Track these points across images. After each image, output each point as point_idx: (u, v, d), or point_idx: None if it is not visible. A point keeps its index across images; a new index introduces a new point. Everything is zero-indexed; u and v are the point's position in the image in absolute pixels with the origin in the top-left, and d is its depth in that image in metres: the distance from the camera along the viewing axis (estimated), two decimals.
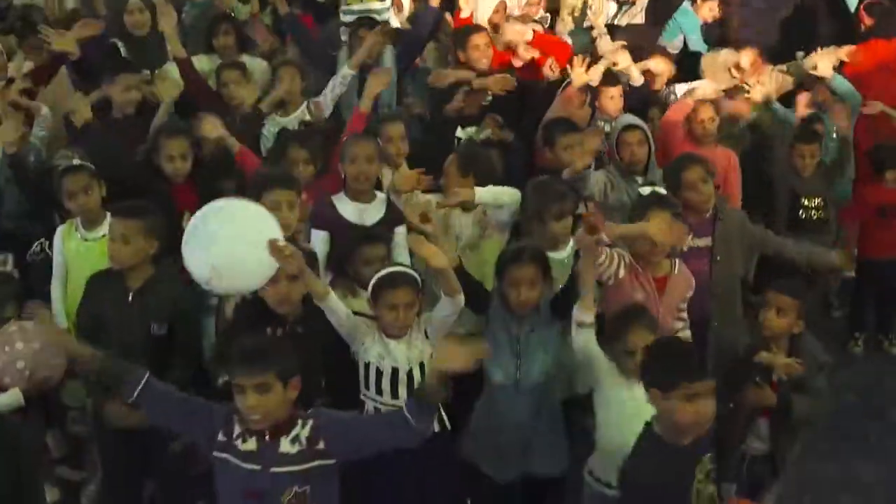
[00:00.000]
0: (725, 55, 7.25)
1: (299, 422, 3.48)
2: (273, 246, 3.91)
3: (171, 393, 3.61)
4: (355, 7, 7.02)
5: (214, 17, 7.28)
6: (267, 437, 3.44)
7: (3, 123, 5.69)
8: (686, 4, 8.54)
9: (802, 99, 7.18)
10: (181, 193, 5.40)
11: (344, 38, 6.88)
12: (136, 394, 3.53)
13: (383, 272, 4.22)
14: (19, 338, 4.55)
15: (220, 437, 3.48)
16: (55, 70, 6.53)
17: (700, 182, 5.17)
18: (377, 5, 7.04)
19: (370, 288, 4.24)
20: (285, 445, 3.44)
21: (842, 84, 6.93)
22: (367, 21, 6.69)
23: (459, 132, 6.23)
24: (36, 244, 5.47)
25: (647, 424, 3.51)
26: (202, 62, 6.88)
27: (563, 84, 6.66)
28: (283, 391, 3.41)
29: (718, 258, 5.16)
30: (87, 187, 5.06)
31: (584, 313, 4.17)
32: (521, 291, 4.24)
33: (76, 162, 5.21)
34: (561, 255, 4.87)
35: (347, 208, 5.07)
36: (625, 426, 3.98)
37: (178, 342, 4.56)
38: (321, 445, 3.45)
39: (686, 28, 8.47)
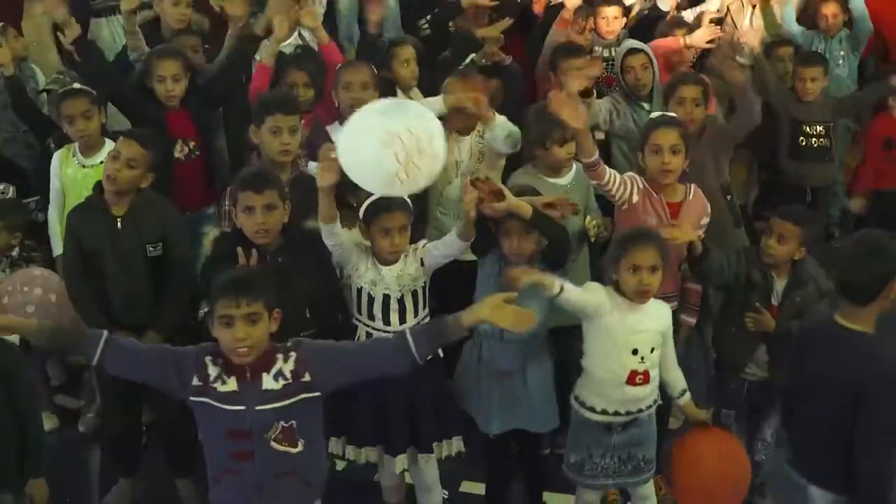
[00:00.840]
0: None
1: (279, 356, 3.37)
2: (325, 150, 3.80)
3: (134, 348, 3.45)
4: None
5: None
6: (248, 376, 3.33)
7: None
8: None
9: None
10: (175, 120, 5.33)
11: None
12: (97, 355, 3.33)
13: (377, 196, 4.12)
14: (41, 283, 4.57)
15: (195, 381, 3.34)
16: None
17: (690, 102, 5.17)
18: None
19: (362, 212, 4.20)
20: (268, 382, 3.34)
21: (862, 15, 6.89)
22: None
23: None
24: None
25: None
26: None
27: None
28: (268, 322, 3.32)
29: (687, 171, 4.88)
30: (87, 112, 5.00)
31: (550, 289, 4.01)
32: (515, 241, 4.13)
33: (76, 86, 5.13)
34: (564, 181, 4.82)
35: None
36: (613, 354, 4.01)
37: (174, 259, 4.51)
38: (307, 378, 3.36)
39: None
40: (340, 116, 5.01)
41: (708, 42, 6.53)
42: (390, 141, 3.46)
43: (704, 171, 5.01)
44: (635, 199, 4.54)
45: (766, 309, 4.46)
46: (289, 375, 3.35)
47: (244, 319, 3.25)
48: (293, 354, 3.37)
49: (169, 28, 5.97)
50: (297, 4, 5.56)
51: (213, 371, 3.34)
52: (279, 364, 3.35)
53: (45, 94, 6.01)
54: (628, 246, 4.03)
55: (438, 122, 3.66)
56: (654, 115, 4.91)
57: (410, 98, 5.47)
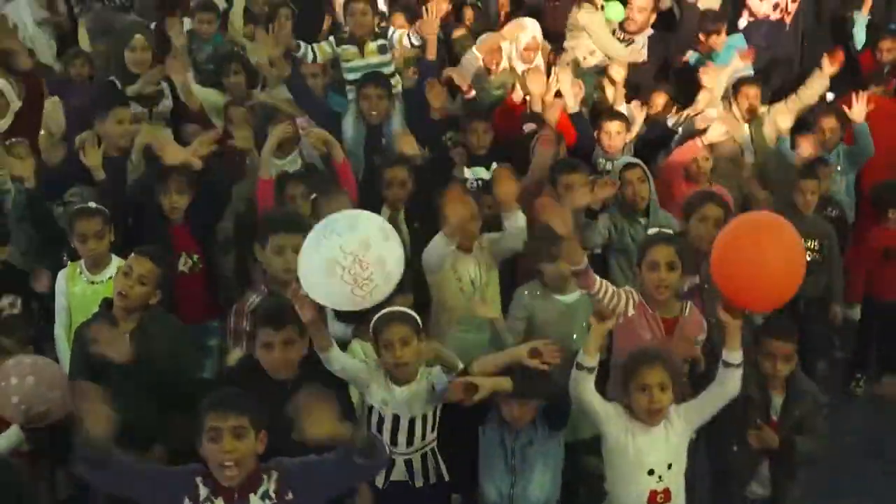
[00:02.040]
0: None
1: (264, 476, 3.44)
2: (293, 291, 3.91)
3: (128, 465, 3.50)
4: (357, 63, 6.96)
5: (224, 55, 7.35)
6: (236, 497, 3.40)
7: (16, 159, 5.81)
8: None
9: (806, 142, 7.05)
10: (178, 234, 5.44)
11: (350, 96, 6.88)
12: (89, 470, 3.42)
13: (381, 311, 4.21)
14: (14, 372, 4.50)
15: (186, 502, 3.41)
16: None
17: (712, 221, 5.17)
18: (376, 59, 6.97)
19: (371, 329, 4.25)
20: (255, 503, 3.41)
21: (865, 131, 6.97)
22: (374, 77, 6.68)
23: (467, 172, 6.28)
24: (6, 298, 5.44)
25: None
26: (211, 95, 6.98)
27: None
28: (255, 441, 3.40)
29: (706, 287, 5.05)
30: (99, 232, 5.11)
31: (586, 357, 4.11)
32: (514, 409, 4.14)
33: (92, 205, 5.23)
34: (569, 299, 4.91)
35: None
36: (630, 477, 4.06)
37: (181, 375, 4.53)
38: (290, 496, 3.43)
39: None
40: None
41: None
42: (331, 270, 3.71)
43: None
44: (630, 312, 4.60)
45: (766, 424, 4.49)
46: (273, 495, 3.43)
47: (231, 433, 3.34)
48: (275, 474, 3.45)
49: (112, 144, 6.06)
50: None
51: (203, 492, 3.42)
52: (265, 485, 3.43)
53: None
54: (636, 367, 4.09)
55: (372, 223, 3.87)
56: (652, 231, 4.99)
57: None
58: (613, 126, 6.77)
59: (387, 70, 6.98)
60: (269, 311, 4.17)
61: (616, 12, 8.14)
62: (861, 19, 8.53)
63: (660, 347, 4.33)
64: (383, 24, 7.49)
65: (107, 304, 4.57)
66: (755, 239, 3.97)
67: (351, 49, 6.95)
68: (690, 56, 8.07)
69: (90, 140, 5.90)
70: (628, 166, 5.98)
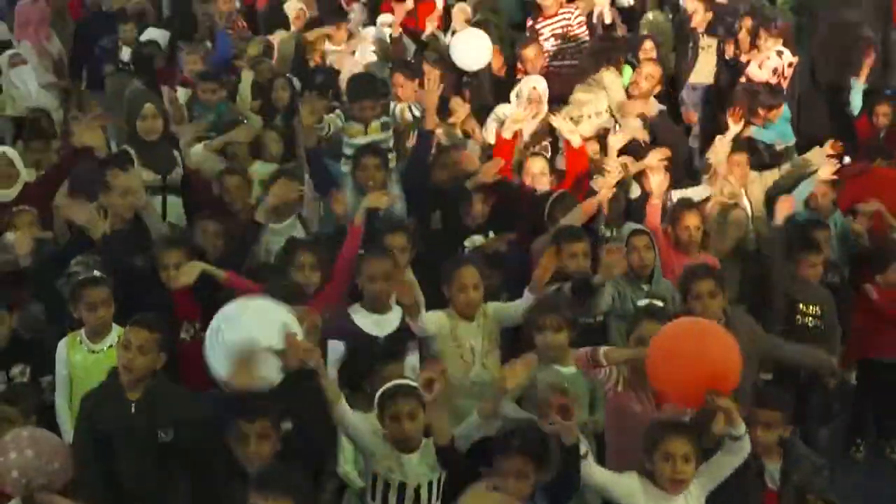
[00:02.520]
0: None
1: None
2: (289, 339, 3.99)
3: None
4: (360, 140, 6.98)
5: (228, 124, 7.44)
6: None
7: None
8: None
9: (784, 205, 6.88)
10: (181, 302, 5.48)
11: (345, 168, 6.93)
12: None
13: (386, 385, 4.26)
14: (13, 446, 4.46)
15: None
16: (65, 174, 6.69)
17: (707, 296, 5.19)
18: (379, 136, 7.00)
19: (376, 401, 4.29)
20: None
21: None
22: (371, 148, 6.74)
23: (466, 242, 6.29)
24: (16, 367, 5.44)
25: None
26: (213, 162, 7.09)
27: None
28: None
29: None
30: (106, 301, 5.17)
31: (580, 445, 4.09)
32: (510, 483, 4.11)
33: (98, 274, 5.30)
34: (566, 371, 4.94)
35: (364, 320, 5.19)
36: None
37: (185, 444, 4.59)
38: None
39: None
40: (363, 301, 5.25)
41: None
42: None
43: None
44: (620, 387, 4.68)
45: (762, 492, 4.51)
46: None
47: None
48: None
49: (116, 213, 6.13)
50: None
51: None
52: None
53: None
54: (662, 435, 4.11)
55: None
56: (642, 303, 5.08)
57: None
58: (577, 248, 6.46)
59: (386, 146, 7.05)
60: (263, 478, 4.06)
61: (625, 75, 8.33)
62: (858, 86, 8.63)
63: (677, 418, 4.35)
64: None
65: (114, 372, 4.62)
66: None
67: (355, 126, 7.04)
68: (754, 131, 8.12)
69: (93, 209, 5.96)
70: (635, 233, 6.08)
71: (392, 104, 7.33)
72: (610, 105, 8.03)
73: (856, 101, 8.66)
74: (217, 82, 8.39)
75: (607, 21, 10.04)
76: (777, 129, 8.04)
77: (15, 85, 8.95)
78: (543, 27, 9.19)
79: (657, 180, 6.63)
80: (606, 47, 8.63)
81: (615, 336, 5.79)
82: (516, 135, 7.36)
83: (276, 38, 10.01)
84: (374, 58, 9.53)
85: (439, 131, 7.44)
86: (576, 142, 7.03)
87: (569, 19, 9.14)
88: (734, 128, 7.39)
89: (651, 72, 8.16)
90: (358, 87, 7.21)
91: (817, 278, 6.40)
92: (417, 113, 7.18)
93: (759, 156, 7.78)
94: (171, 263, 5.46)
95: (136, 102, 6.95)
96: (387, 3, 10.68)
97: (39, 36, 11.80)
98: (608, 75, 8.11)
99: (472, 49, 8.46)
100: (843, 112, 8.53)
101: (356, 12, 11.76)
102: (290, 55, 9.72)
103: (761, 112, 8.06)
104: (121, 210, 6.05)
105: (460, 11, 9.96)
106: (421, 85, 7.47)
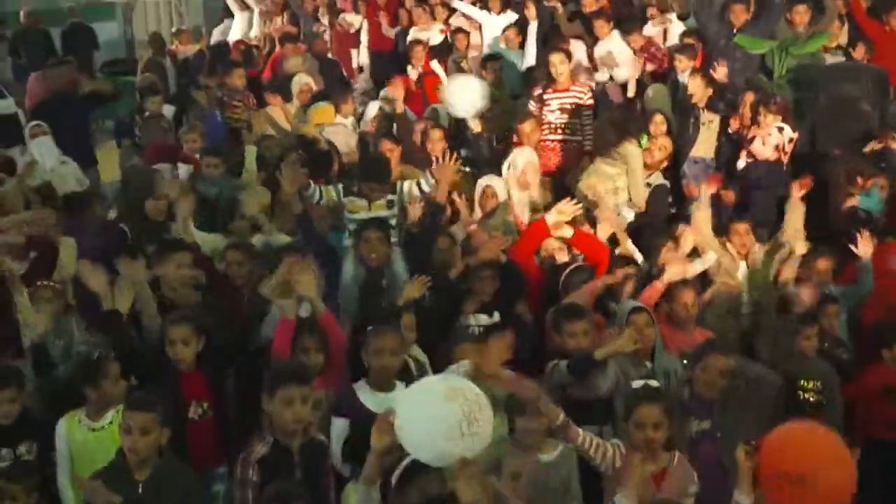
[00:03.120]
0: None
1: None
2: (382, 418, 3.95)
3: None
4: (363, 215, 7.10)
5: (228, 200, 7.59)
6: None
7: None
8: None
9: (805, 289, 7.02)
10: (188, 381, 5.50)
11: (347, 242, 7.05)
12: None
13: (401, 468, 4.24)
14: None
15: None
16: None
17: (718, 378, 5.32)
18: (383, 213, 7.13)
19: (392, 487, 4.27)
20: None
21: (869, 268, 7.09)
22: (374, 222, 6.82)
23: (471, 319, 6.36)
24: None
25: None
26: (215, 241, 7.15)
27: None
28: None
29: (720, 436, 5.22)
30: (116, 377, 5.23)
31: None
32: None
33: (102, 353, 5.35)
34: (547, 458, 4.99)
35: (369, 398, 5.19)
36: None
37: None
38: None
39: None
40: (368, 378, 5.28)
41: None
42: (454, 395, 3.72)
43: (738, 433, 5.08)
44: (618, 463, 4.72)
45: None
46: None
47: None
48: None
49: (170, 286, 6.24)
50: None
51: None
52: None
53: None
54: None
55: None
56: (637, 384, 5.09)
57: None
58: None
59: (392, 221, 7.14)
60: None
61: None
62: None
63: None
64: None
65: (121, 452, 4.65)
66: None
67: (359, 202, 7.12)
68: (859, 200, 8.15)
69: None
70: (636, 310, 6.08)
71: (399, 182, 7.39)
72: (630, 177, 8.16)
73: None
74: (220, 157, 8.52)
75: (630, 94, 10.24)
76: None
77: (34, 156, 9.08)
78: (552, 98, 9.30)
79: (673, 271, 6.65)
80: (628, 118, 8.78)
81: (620, 411, 5.75)
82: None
83: (278, 111, 10.15)
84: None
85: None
86: (568, 233, 7.04)
87: (580, 98, 9.27)
88: (797, 195, 7.50)
89: (664, 143, 8.49)
90: (367, 170, 7.32)
91: (813, 350, 6.40)
92: (427, 188, 7.25)
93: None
94: (179, 339, 5.47)
95: (147, 182, 7.05)
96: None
97: None
98: (631, 148, 8.23)
99: (467, 93, 8.47)
100: None
101: (361, 82, 11.98)
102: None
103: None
104: (176, 282, 6.20)
105: None
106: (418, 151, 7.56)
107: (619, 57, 10.42)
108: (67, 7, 18.62)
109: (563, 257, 7.03)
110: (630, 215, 7.92)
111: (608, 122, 8.60)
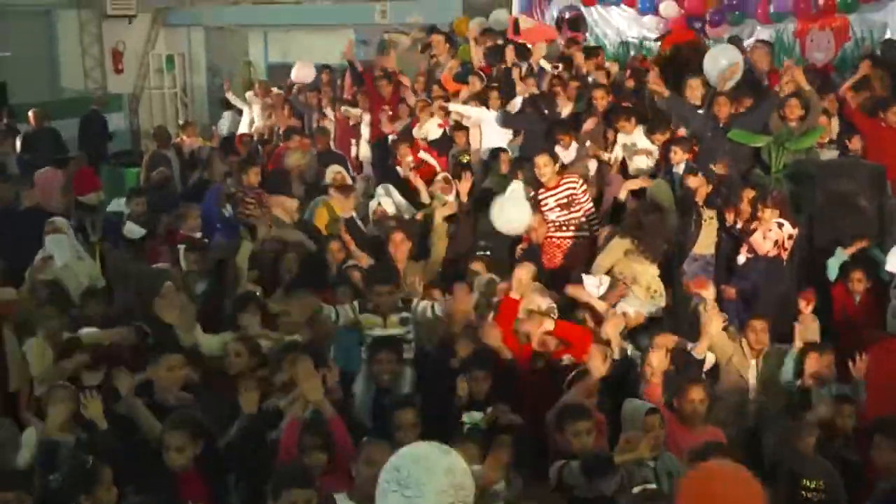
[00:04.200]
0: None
1: None
2: None
3: None
4: (378, 332, 7.19)
5: (241, 296, 7.61)
6: None
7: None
8: None
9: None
10: (185, 483, 5.51)
11: (365, 355, 7.10)
12: None
13: None
14: None
15: None
16: None
17: None
18: (397, 330, 7.21)
19: None
20: None
21: (862, 385, 7.10)
22: (385, 342, 6.94)
23: (465, 417, 6.32)
24: None
25: None
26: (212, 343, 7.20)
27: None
28: None
29: None
30: (109, 485, 5.24)
31: None
32: None
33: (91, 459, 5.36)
34: None
35: None
36: None
37: None
38: None
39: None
40: (356, 490, 5.20)
41: None
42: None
43: None
44: None
45: None
46: None
47: None
48: None
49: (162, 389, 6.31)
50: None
51: None
52: None
53: None
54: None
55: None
56: (636, 489, 5.18)
57: None
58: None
59: (407, 337, 7.24)
60: None
61: None
62: (840, 255, 8.77)
63: None
64: None
65: None
66: None
67: (374, 318, 7.21)
68: None
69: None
70: (651, 412, 6.15)
71: (415, 301, 7.48)
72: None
73: (832, 270, 8.76)
74: (203, 251, 8.63)
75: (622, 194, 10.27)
76: None
77: (47, 251, 9.21)
78: (547, 198, 9.41)
79: (657, 359, 6.75)
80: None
81: None
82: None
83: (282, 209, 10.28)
84: None
85: None
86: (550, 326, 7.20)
87: (574, 189, 9.38)
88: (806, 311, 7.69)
89: None
90: (371, 275, 7.42)
91: (809, 450, 6.41)
92: (440, 313, 7.35)
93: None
94: (174, 446, 5.51)
95: (155, 282, 7.16)
96: None
97: (57, 204, 12.19)
98: (644, 270, 8.29)
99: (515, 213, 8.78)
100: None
101: (359, 181, 12.13)
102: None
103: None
104: (168, 385, 6.30)
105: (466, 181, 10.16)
106: None
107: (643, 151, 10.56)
108: (95, 96, 19.00)
109: (548, 345, 7.14)
110: (654, 309, 8.01)
111: (657, 227, 8.60)
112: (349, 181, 11.06)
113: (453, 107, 12.31)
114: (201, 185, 11.79)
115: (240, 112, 16.31)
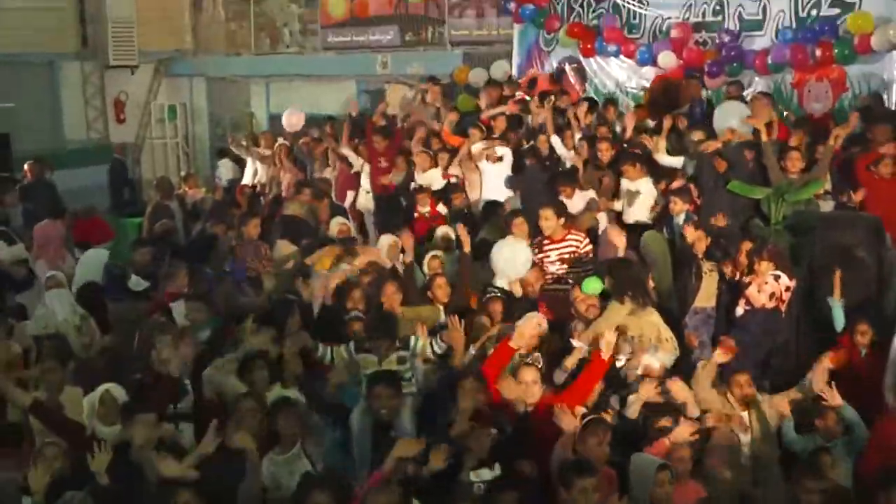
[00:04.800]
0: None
1: None
2: None
3: None
4: (371, 370, 7.25)
5: (248, 353, 7.63)
6: None
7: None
8: None
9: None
10: None
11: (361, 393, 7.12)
12: None
13: None
14: None
15: None
16: None
17: None
18: (396, 367, 7.26)
19: None
20: None
21: (851, 414, 7.16)
22: (384, 376, 6.96)
23: (472, 475, 6.33)
24: None
25: None
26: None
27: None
28: None
29: None
30: None
31: None
32: None
33: None
34: None
35: None
36: None
37: None
38: None
39: None
40: None
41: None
42: None
43: None
44: None
45: None
46: None
47: None
48: None
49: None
50: None
51: None
52: None
53: None
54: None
55: None
56: None
57: None
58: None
59: (406, 375, 7.29)
60: None
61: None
62: (835, 303, 8.74)
63: None
64: None
65: None
66: None
67: (371, 358, 7.24)
68: None
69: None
70: (661, 468, 6.20)
71: (412, 338, 7.50)
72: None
73: (838, 320, 8.70)
74: (202, 301, 8.67)
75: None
76: None
77: (45, 304, 9.26)
78: (550, 250, 9.46)
79: (682, 432, 6.80)
80: None
81: None
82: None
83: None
84: None
85: None
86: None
87: (577, 246, 9.44)
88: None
89: None
90: (375, 327, 7.44)
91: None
92: (438, 350, 7.35)
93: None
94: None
95: (155, 332, 7.21)
96: None
97: (56, 257, 12.29)
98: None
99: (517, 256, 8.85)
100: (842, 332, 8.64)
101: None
102: None
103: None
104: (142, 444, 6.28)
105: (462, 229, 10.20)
106: None
107: (646, 199, 10.64)
108: (116, 145, 19.39)
109: (535, 392, 7.12)
110: (668, 359, 7.99)
111: (633, 278, 8.48)
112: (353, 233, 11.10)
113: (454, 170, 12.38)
114: (205, 237, 11.82)
115: (236, 160, 16.47)
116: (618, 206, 10.88)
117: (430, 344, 7.44)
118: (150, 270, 10.41)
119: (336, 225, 11.24)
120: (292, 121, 15.68)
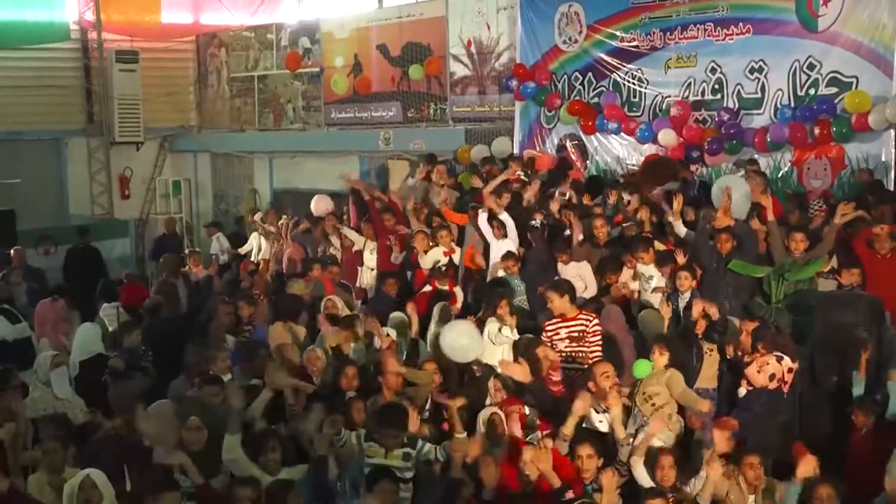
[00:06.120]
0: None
1: None
2: None
3: None
4: (378, 461, 7.28)
5: (262, 431, 7.67)
6: None
7: None
8: None
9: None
10: None
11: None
12: None
13: None
14: None
15: None
16: None
17: None
18: (398, 464, 7.27)
19: None
20: None
21: None
22: (383, 473, 6.95)
23: None
24: None
25: None
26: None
27: None
28: None
29: None
30: None
31: None
32: None
33: None
34: None
35: None
36: None
37: None
38: None
39: None
40: None
41: None
42: None
43: None
44: None
45: None
46: None
47: None
48: None
49: None
50: None
51: None
52: None
53: None
54: None
55: None
56: None
57: None
58: None
59: (405, 475, 7.27)
60: None
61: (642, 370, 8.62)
62: (859, 379, 8.74)
63: None
64: None
65: None
66: None
67: (377, 448, 7.25)
68: None
69: None
70: None
71: (419, 441, 7.53)
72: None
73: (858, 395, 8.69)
74: (219, 384, 8.67)
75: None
76: None
77: (48, 383, 9.28)
78: (560, 327, 9.49)
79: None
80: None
81: None
82: None
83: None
84: None
85: None
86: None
87: (587, 325, 9.44)
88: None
89: None
90: (383, 416, 7.46)
91: None
92: (441, 458, 7.40)
93: None
94: None
95: (181, 411, 7.30)
96: None
97: (57, 333, 12.33)
98: (674, 373, 8.50)
99: (464, 341, 8.98)
100: (844, 412, 8.64)
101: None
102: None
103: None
104: None
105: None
106: None
107: (657, 284, 10.65)
108: (165, 221, 20.50)
109: (533, 471, 7.22)
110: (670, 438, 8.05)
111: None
112: (340, 311, 11.06)
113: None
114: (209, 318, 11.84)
115: (229, 235, 16.61)
116: (634, 285, 10.88)
117: (436, 450, 7.47)
118: (140, 353, 10.53)
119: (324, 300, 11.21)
120: (321, 206, 15.70)
